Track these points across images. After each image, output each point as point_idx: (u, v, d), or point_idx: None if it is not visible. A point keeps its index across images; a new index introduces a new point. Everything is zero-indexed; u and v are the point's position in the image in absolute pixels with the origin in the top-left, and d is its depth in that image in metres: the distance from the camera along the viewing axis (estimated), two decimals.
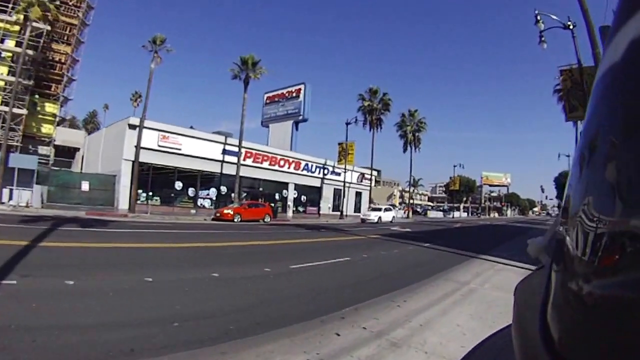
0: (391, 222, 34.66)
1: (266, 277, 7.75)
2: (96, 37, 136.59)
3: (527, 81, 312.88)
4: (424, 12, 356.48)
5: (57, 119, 38.39)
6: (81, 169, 38.63)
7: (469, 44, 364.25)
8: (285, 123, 42.06)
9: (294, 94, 41.98)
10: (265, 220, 28.15)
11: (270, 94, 45.14)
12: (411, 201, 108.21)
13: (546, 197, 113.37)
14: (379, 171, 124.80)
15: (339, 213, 43.61)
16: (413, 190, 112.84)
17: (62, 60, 60.56)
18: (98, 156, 34.67)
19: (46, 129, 36.36)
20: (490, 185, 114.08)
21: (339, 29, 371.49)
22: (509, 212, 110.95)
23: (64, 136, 40.22)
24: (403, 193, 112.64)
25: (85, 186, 29.75)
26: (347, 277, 8.44)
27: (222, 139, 34.61)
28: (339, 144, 39.54)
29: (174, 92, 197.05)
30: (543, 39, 14.09)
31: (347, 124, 38.75)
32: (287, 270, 8.53)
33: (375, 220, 33.55)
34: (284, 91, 43.37)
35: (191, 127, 39.26)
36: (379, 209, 37.38)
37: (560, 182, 53.74)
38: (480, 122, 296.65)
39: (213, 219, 25.55)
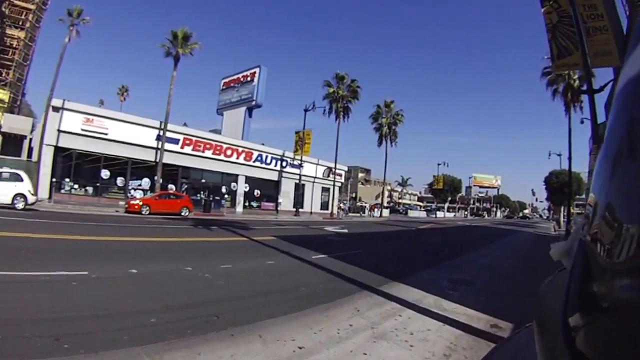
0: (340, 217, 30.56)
1: None
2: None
3: (523, 88, 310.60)
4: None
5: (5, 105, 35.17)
6: (27, 156, 34.81)
7: (466, 49, 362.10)
8: (238, 110, 37.87)
9: (249, 78, 37.82)
10: (183, 213, 24.08)
11: (227, 80, 40.90)
12: (400, 200, 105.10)
13: (536, 200, 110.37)
14: (368, 170, 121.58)
15: (301, 209, 39.51)
16: (402, 190, 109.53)
17: (15, 45, 56.52)
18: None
19: None
20: (480, 187, 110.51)
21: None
22: (498, 213, 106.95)
23: (11, 123, 37.18)
24: (392, 192, 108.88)
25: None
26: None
27: (156, 123, 30.43)
28: (296, 132, 35.38)
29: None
30: None
31: (306, 110, 34.58)
32: None
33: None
34: (240, 75, 39.14)
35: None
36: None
37: (550, 181, 49.81)
38: (475, 127, 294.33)
39: (125, 211, 22.04)
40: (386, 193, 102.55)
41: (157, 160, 30.53)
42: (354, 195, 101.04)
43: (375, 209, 50.68)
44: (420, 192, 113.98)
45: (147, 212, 22.07)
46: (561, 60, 11.01)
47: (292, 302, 5.64)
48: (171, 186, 32.44)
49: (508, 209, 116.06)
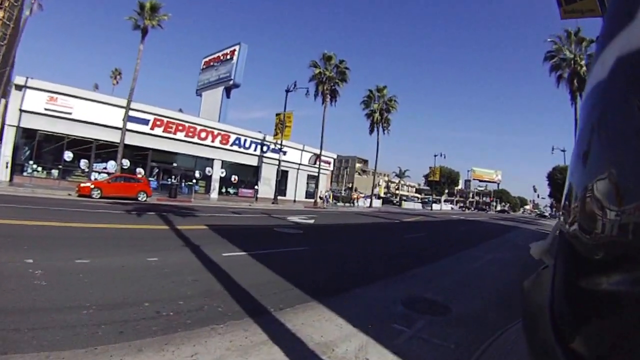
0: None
1: None
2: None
3: (526, 82, 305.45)
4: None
5: None
6: None
7: (468, 44, 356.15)
8: (216, 90, 35.43)
9: (229, 57, 35.28)
10: (140, 198, 22.01)
11: (207, 59, 38.39)
12: (397, 192, 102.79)
13: (538, 196, 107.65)
14: (366, 161, 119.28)
15: (284, 197, 37.24)
16: (399, 181, 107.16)
17: None
18: None
19: None
20: (480, 181, 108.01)
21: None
22: (498, 208, 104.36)
23: None
24: (389, 184, 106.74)
25: None
26: None
27: (123, 102, 28.13)
28: (277, 115, 32.92)
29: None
30: None
31: (287, 91, 32.02)
32: None
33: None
34: (220, 54, 36.57)
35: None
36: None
37: (554, 177, 46.85)
38: (477, 122, 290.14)
39: (78, 195, 20.08)
40: (383, 184, 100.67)
41: (123, 141, 28.51)
42: (350, 185, 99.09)
43: (361, 199, 48.09)
44: (418, 184, 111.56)
45: (98, 196, 20.17)
46: (571, 5, 8.52)
47: (109, 328, 3.53)
48: (140, 170, 30.31)
49: (508, 204, 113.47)
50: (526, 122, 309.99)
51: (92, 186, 20.59)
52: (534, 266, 5.33)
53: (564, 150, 44.33)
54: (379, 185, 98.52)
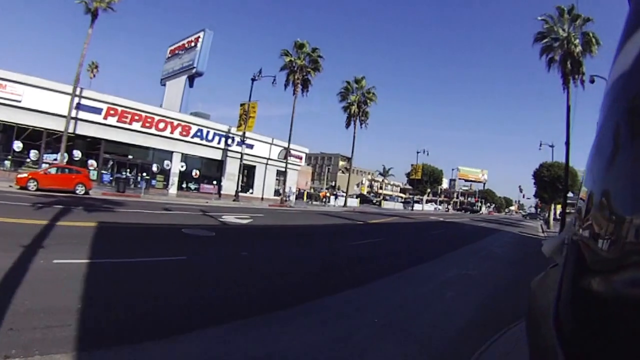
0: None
1: None
2: None
3: (514, 79, 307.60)
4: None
5: None
6: None
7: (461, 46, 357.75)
8: (179, 79, 33.26)
9: (193, 44, 33.13)
10: (77, 191, 20.11)
11: (173, 47, 36.17)
12: (380, 191, 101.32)
13: (524, 196, 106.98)
14: (349, 158, 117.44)
15: (250, 194, 35.18)
16: (383, 180, 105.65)
17: None
18: None
19: None
20: (466, 180, 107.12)
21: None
22: (483, 208, 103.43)
23: None
24: (373, 182, 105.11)
25: None
26: None
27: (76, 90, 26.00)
28: (241, 105, 30.82)
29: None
30: None
31: (253, 79, 29.98)
32: None
33: None
34: (185, 42, 34.39)
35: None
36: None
37: (540, 175, 43.60)
38: (466, 121, 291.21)
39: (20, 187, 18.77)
40: (366, 183, 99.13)
41: (73, 131, 26.41)
42: (333, 183, 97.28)
43: (333, 197, 46.10)
44: (403, 184, 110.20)
45: (35, 188, 18.74)
46: None
47: None
48: (92, 162, 28.26)
49: (494, 205, 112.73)
50: (514, 121, 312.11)
51: (29, 177, 19.18)
52: (511, 290, 6.20)
53: (552, 146, 42.48)
54: (361, 183, 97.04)
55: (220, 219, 14.58)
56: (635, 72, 0.51)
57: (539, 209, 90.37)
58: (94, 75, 78.98)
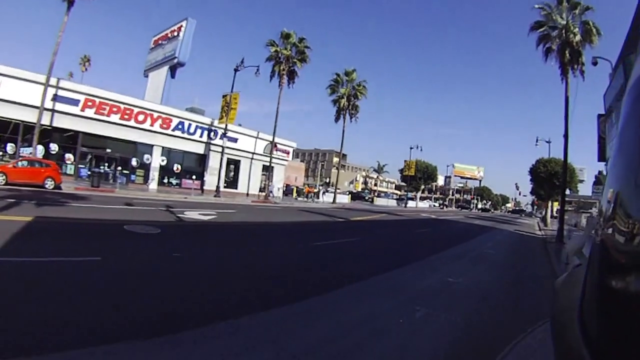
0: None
1: None
2: None
3: (511, 75, 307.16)
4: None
5: None
6: None
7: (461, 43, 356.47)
8: (161, 70, 32.23)
9: (176, 34, 32.07)
10: (47, 185, 19.22)
11: (156, 37, 35.08)
12: (375, 188, 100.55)
13: (520, 194, 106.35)
14: (344, 155, 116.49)
15: (234, 190, 34.25)
16: (377, 177, 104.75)
17: None
18: None
19: None
20: (462, 177, 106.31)
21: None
22: (479, 205, 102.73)
23: None
24: (367, 179, 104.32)
25: None
26: None
27: (52, 80, 25.02)
28: (223, 96, 29.82)
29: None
30: None
31: (236, 70, 29.00)
32: None
33: None
34: (168, 31, 33.34)
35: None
36: None
37: (537, 171, 42.17)
38: (462, 118, 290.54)
39: None
40: (360, 179, 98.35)
41: (50, 123, 25.56)
42: (327, 179, 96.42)
43: (321, 193, 45.13)
44: (397, 180, 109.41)
45: (4, 182, 17.95)
46: None
47: None
48: (69, 156, 27.37)
49: (490, 202, 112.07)
50: (511, 118, 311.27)
51: None
52: (505, 305, 5.73)
53: (549, 142, 41.44)
54: (355, 180, 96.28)
55: (180, 215, 13.62)
56: None
57: (535, 207, 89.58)
58: (86, 69, 78.19)
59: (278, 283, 6.27)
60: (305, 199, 38.65)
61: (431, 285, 7.28)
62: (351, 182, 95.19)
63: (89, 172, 27.23)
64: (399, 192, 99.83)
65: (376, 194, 75.76)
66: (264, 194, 33.39)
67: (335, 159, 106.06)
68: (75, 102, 26.10)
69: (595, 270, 0.66)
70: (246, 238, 11.18)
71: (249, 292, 5.57)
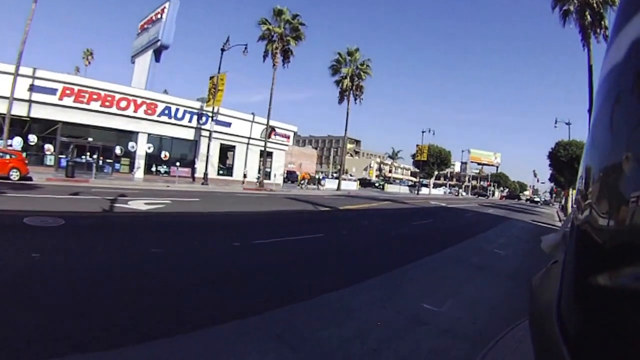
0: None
1: None
2: None
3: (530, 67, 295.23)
4: None
5: None
6: None
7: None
8: (146, 54, 30.50)
9: (160, 16, 30.20)
10: (13, 176, 17.87)
11: (142, 22, 33.31)
12: (390, 174, 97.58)
13: (538, 181, 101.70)
14: (358, 141, 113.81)
15: (229, 177, 32.51)
16: (392, 163, 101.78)
17: None
18: None
19: None
20: (479, 164, 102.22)
21: None
22: (496, 193, 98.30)
23: None
24: (382, 165, 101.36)
25: None
26: None
27: (28, 70, 23.72)
28: (210, 78, 27.85)
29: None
30: None
31: (222, 50, 26.98)
32: None
33: None
34: (152, 15, 31.50)
35: (165, 91, 29.85)
36: None
37: (556, 155, 38.82)
38: (479, 102, 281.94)
39: None
40: (375, 166, 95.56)
41: (28, 114, 24.39)
42: (340, 167, 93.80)
43: (323, 180, 42.79)
44: (413, 167, 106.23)
45: None
46: None
47: None
48: (48, 146, 26.11)
49: (507, 189, 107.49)
50: (529, 103, 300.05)
51: None
52: None
53: (569, 124, 38.38)
54: (370, 167, 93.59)
55: (120, 205, 11.68)
56: (626, 67, 0.51)
57: (554, 195, 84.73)
58: (89, 63, 77.85)
59: (154, 307, 4.12)
60: (301, 186, 36.32)
61: (390, 322, 4.38)
62: (365, 169, 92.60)
63: (68, 162, 25.99)
64: (414, 179, 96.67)
65: (388, 181, 72.81)
66: (266, 180, 31.56)
67: (350, 145, 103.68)
68: (52, 92, 24.81)
69: (571, 261, 0.64)
70: (173, 233, 8.79)
71: (84, 328, 3.36)
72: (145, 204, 12.59)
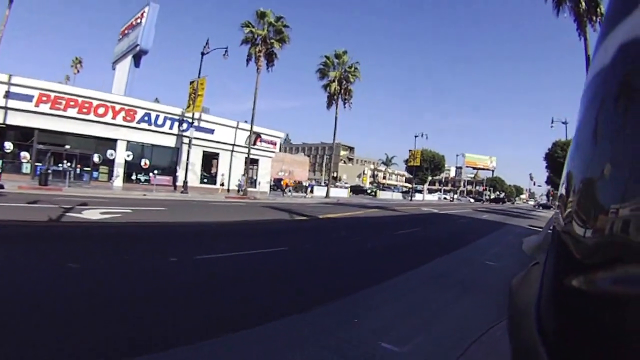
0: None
1: None
2: None
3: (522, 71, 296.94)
4: None
5: None
6: None
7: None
8: (126, 60, 29.84)
9: (139, 21, 29.60)
10: None
11: (123, 27, 32.78)
12: (384, 181, 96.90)
13: (534, 184, 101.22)
14: (352, 148, 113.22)
15: (212, 185, 31.68)
16: (385, 169, 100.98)
17: None
18: None
19: None
20: (474, 168, 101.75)
21: None
22: (492, 197, 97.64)
23: None
24: (376, 172, 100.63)
25: None
26: None
27: (3, 77, 23.06)
28: (190, 83, 27.15)
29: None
30: None
31: (203, 54, 26.33)
32: None
33: None
34: (132, 20, 30.95)
35: (156, 100, 29.16)
36: None
37: (553, 156, 38.56)
38: (474, 107, 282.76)
39: None
40: (369, 172, 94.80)
41: (3, 121, 23.69)
42: (335, 174, 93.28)
43: (310, 188, 41.84)
44: (407, 173, 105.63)
45: None
46: None
47: None
48: (24, 154, 25.27)
49: (504, 193, 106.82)
50: (524, 105, 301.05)
51: None
52: None
53: (565, 123, 37.83)
54: (363, 173, 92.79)
55: (71, 214, 10.81)
56: (613, 70, 0.51)
57: (551, 197, 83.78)
58: (78, 71, 77.06)
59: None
60: (285, 194, 35.31)
61: None
62: (358, 176, 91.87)
63: (49, 171, 25.18)
64: (409, 185, 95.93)
65: (381, 187, 72.06)
66: (251, 189, 30.73)
67: (343, 152, 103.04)
68: (28, 98, 24.10)
69: (551, 265, 0.64)
70: (111, 245, 7.81)
71: None
72: (101, 213, 11.72)
